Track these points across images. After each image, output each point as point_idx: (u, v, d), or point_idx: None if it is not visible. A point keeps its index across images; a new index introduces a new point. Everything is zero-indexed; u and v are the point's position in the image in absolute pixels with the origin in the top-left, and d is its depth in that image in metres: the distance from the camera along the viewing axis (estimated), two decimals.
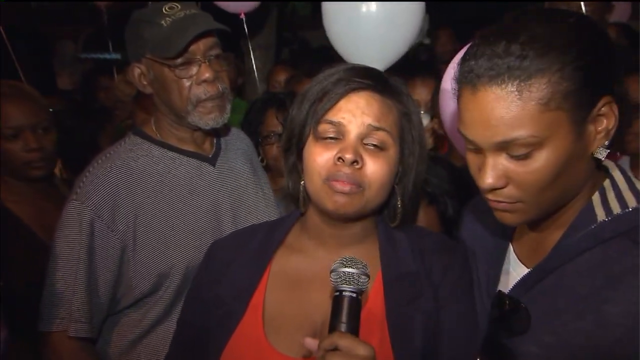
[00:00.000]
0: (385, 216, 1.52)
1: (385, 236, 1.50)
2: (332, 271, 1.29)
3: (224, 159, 2.08)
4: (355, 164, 1.38)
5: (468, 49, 1.21)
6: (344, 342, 1.21)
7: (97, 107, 4.41)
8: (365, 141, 1.41)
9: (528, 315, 1.21)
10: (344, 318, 1.25)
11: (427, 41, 6.23)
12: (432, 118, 2.78)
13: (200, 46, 1.88)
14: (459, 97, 1.23)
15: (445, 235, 1.61)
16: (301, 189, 1.51)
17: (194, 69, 1.88)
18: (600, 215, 1.21)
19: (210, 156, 2.05)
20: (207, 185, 2.01)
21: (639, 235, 1.16)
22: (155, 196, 1.92)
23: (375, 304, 1.43)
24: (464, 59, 1.20)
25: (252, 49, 5.03)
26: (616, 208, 1.20)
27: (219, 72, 1.92)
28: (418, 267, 1.46)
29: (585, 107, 1.15)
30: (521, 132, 1.14)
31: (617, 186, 1.24)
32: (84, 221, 1.83)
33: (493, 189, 1.21)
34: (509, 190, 1.20)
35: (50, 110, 2.54)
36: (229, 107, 1.97)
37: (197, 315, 1.55)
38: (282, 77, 4.57)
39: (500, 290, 1.30)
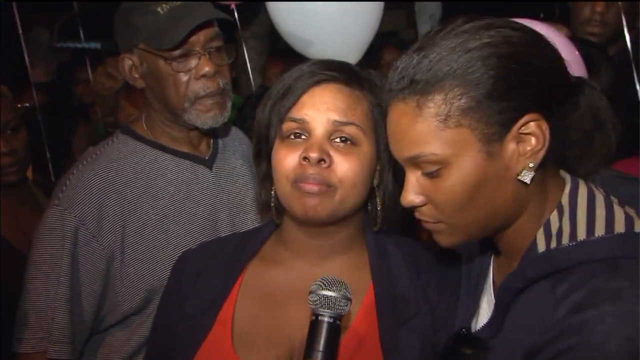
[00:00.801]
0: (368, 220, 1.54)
1: (375, 246, 1.52)
2: (310, 292, 1.30)
3: (221, 161, 2.08)
4: (322, 162, 1.41)
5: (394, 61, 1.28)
6: None
7: (73, 103, 4.41)
8: (333, 137, 1.44)
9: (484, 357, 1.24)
10: (320, 346, 1.27)
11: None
12: None
13: (200, 37, 1.87)
14: None
15: (439, 251, 1.57)
16: (272, 196, 1.53)
17: (192, 62, 1.88)
18: (541, 250, 1.21)
19: (207, 158, 2.05)
20: (204, 190, 2.01)
21: (561, 280, 1.16)
22: (146, 202, 1.92)
23: (366, 323, 1.44)
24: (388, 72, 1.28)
25: (245, 38, 5.04)
26: (553, 244, 1.20)
27: (220, 66, 1.92)
28: (414, 281, 1.48)
29: (497, 125, 1.16)
30: (423, 149, 1.19)
31: (562, 216, 1.22)
32: (67, 229, 1.83)
33: (415, 207, 1.26)
34: (429, 210, 1.25)
35: (27, 105, 2.54)
36: (229, 105, 1.97)
37: (164, 331, 1.58)
38: (278, 69, 4.57)
39: (463, 329, 1.33)
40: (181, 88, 1.89)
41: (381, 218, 1.52)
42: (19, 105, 3.13)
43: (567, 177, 1.28)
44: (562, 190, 1.25)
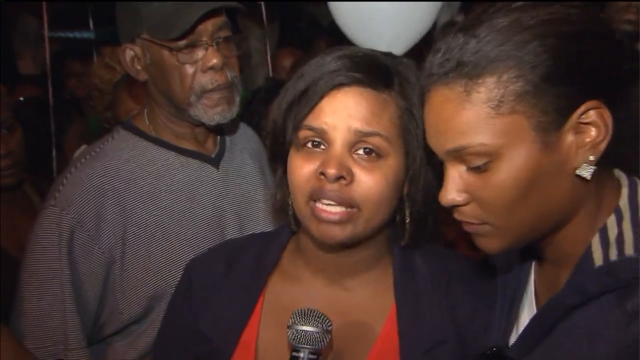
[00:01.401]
0: (396, 234, 1.49)
1: (400, 262, 1.47)
2: (287, 326, 1.30)
3: (229, 159, 2.10)
4: (341, 179, 1.35)
5: (433, 43, 1.24)
6: None
7: (66, 97, 4.43)
8: (354, 149, 1.37)
9: None
10: None
11: (459, 19, 6.25)
12: None
13: (207, 26, 1.88)
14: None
15: (473, 260, 1.56)
16: (290, 203, 1.47)
17: (199, 53, 1.89)
18: (598, 260, 1.16)
19: (213, 156, 2.07)
20: (210, 190, 2.02)
21: (629, 294, 1.11)
22: (149, 203, 1.93)
23: (387, 350, 1.41)
24: (426, 56, 1.23)
25: (251, 27, 5.05)
26: (613, 254, 1.14)
27: (229, 58, 1.93)
28: (441, 302, 1.43)
29: (554, 112, 1.13)
30: (470, 140, 1.15)
31: (621, 221, 1.17)
32: (64, 231, 1.84)
33: (457, 207, 1.21)
34: (473, 209, 1.20)
35: (21, 99, 2.56)
36: (238, 99, 1.98)
37: (175, 351, 1.55)
38: (288, 61, 4.58)
39: (495, 347, 1.30)
40: (187, 81, 1.90)
41: (410, 232, 1.46)
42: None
43: (623, 177, 1.23)
44: (619, 191, 1.21)
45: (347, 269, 1.47)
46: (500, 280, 1.42)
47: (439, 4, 2.98)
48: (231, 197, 2.06)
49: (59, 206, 1.86)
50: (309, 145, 1.39)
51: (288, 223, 1.53)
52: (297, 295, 1.48)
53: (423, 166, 1.42)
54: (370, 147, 1.36)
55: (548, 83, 1.12)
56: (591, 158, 1.14)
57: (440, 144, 1.20)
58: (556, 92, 1.12)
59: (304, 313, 1.29)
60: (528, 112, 1.12)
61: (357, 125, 1.35)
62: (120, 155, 1.96)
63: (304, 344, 1.28)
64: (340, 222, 1.36)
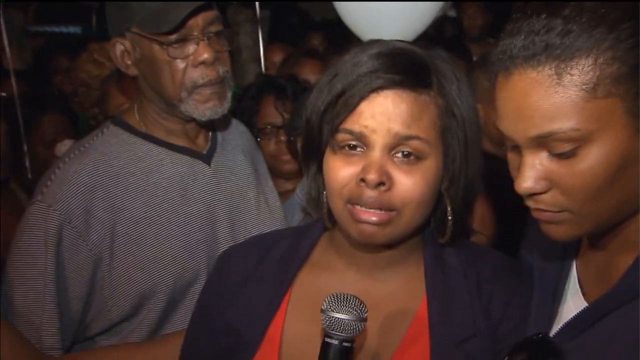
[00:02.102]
0: (432, 229, 1.50)
1: (432, 256, 1.48)
2: (321, 311, 1.30)
3: (220, 156, 2.10)
4: (381, 186, 1.35)
5: (506, 26, 1.21)
6: None
7: (51, 93, 4.41)
8: (394, 152, 1.37)
9: None
10: None
11: (452, 14, 6.27)
12: None
13: (198, 21, 1.88)
14: (495, 86, 1.22)
15: (506, 257, 1.57)
16: (324, 201, 1.48)
17: (190, 48, 1.89)
18: None
19: (204, 153, 2.07)
20: (201, 187, 2.03)
21: None
22: (138, 200, 1.93)
23: (416, 341, 1.42)
24: (500, 39, 1.20)
25: (241, 22, 5.05)
26: None
27: (220, 53, 1.93)
28: (473, 297, 1.44)
29: None
30: (561, 125, 1.12)
31: None
32: (51, 227, 1.84)
33: (532, 194, 1.19)
34: (553, 197, 1.18)
35: (4, 95, 2.55)
36: (229, 94, 1.99)
37: (205, 341, 1.57)
38: (278, 57, 4.60)
39: (541, 332, 1.29)
40: (178, 76, 1.90)
41: (450, 229, 1.46)
42: None
43: None
44: None
45: (380, 263, 1.49)
46: (537, 274, 1.42)
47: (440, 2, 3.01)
48: (223, 193, 2.07)
49: (46, 202, 1.86)
50: (347, 148, 1.39)
51: (321, 219, 1.54)
52: (327, 284, 1.48)
53: (463, 164, 1.43)
54: (409, 150, 1.37)
55: None
56: None
57: (523, 129, 1.16)
58: None
59: (339, 298, 1.29)
60: (624, 95, 1.11)
61: (397, 128, 1.35)
62: (110, 151, 1.96)
63: (337, 331, 1.28)
64: (380, 224, 1.37)
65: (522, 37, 1.15)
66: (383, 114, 1.35)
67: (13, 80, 3.61)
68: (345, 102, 1.37)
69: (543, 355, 1.24)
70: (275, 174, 2.79)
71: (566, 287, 1.35)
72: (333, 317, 1.27)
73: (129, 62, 1.97)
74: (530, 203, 1.22)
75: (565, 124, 1.12)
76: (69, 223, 1.85)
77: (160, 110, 2.00)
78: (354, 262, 1.50)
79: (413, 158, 1.37)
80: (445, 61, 1.43)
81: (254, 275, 1.55)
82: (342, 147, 1.39)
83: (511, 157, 1.24)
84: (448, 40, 5.18)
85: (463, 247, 1.52)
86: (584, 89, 1.11)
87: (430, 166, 1.39)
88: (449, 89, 1.41)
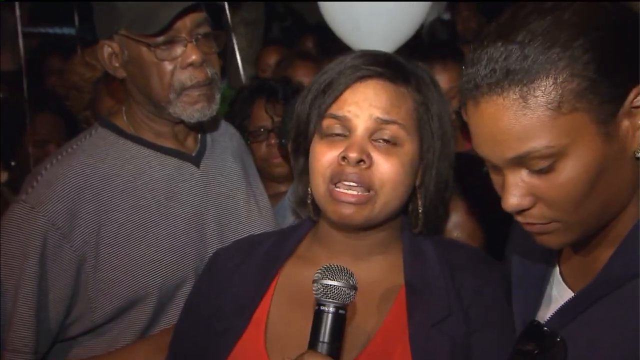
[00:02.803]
0: (408, 221, 1.62)
1: (410, 246, 1.60)
2: (313, 281, 1.38)
3: (210, 158, 2.11)
4: (361, 163, 1.48)
5: (467, 56, 1.27)
6: None
7: (43, 95, 4.40)
8: (374, 137, 1.51)
9: (564, 353, 1.24)
10: (324, 337, 1.36)
11: (446, 16, 6.30)
12: (455, 111, 2.82)
13: (186, 22, 1.89)
14: (467, 111, 1.27)
15: (479, 249, 1.70)
16: (309, 193, 1.61)
17: (178, 50, 1.90)
18: None
19: (193, 155, 2.08)
20: (189, 189, 2.03)
21: None
22: (125, 202, 1.94)
23: (396, 323, 1.51)
24: (464, 68, 1.26)
25: (235, 24, 5.06)
26: None
27: (208, 55, 1.95)
28: (447, 283, 1.54)
29: (610, 102, 1.18)
30: (535, 144, 1.18)
31: None
32: (35, 230, 1.84)
33: (521, 211, 1.25)
34: (539, 210, 1.23)
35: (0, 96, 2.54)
36: (218, 96, 1.99)
37: (195, 329, 1.65)
38: (273, 59, 4.62)
39: (534, 320, 1.34)
40: (166, 78, 1.91)
41: (422, 220, 1.59)
42: None
43: None
44: None
45: (361, 252, 1.59)
46: (522, 269, 1.47)
47: (428, 3, 3.02)
48: (212, 196, 2.08)
49: (30, 203, 1.87)
50: (332, 134, 1.53)
51: (309, 215, 1.65)
52: (310, 276, 1.53)
53: (436, 157, 1.57)
54: (388, 134, 1.51)
55: (602, 76, 1.16)
56: None
57: (499, 153, 1.22)
58: (610, 82, 1.17)
59: (331, 268, 1.38)
60: (588, 107, 1.16)
61: (378, 113, 1.50)
62: (98, 153, 1.96)
63: (330, 298, 1.36)
64: (358, 204, 1.49)
65: (483, 65, 1.20)
66: (365, 100, 1.51)
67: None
68: (332, 90, 1.53)
69: (550, 343, 1.28)
70: (267, 177, 2.80)
71: (551, 279, 1.40)
72: (326, 284, 1.36)
73: (117, 65, 1.98)
74: (520, 218, 1.27)
75: (538, 143, 1.17)
76: (53, 226, 1.85)
77: (149, 113, 2.01)
78: (337, 251, 1.59)
79: (392, 142, 1.51)
80: (424, 71, 1.60)
81: (242, 268, 1.65)
82: (328, 135, 1.53)
83: (494, 177, 1.29)
84: (442, 42, 5.18)
85: (439, 240, 1.65)
86: (550, 108, 1.16)
87: (407, 152, 1.53)
88: (425, 89, 1.57)
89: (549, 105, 1.16)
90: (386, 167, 1.50)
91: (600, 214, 1.24)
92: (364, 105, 1.50)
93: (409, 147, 1.53)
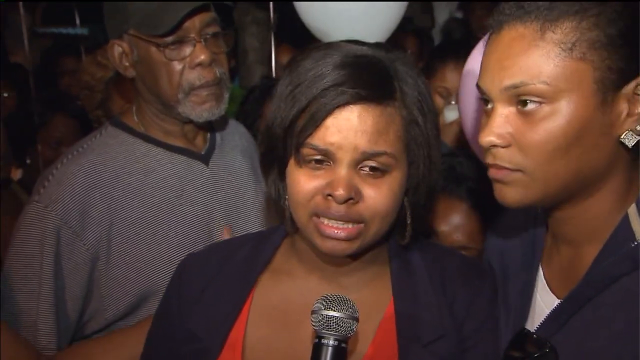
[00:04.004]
0: (395, 234, 1.52)
1: (397, 260, 1.51)
2: (312, 312, 1.29)
3: (219, 157, 2.13)
4: (350, 200, 1.36)
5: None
6: None
7: (56, 94, 4.44)
8: (360, 166, 1.37)
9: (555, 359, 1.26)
10: None
11: (459, 15, 6.29)
12: None
13: (195, 22, 1.92)
14: (486, 46, 1.31)
15: (469, 257, 1.63)
16: (286, 207, 1.49)
17: (187, 50, 1.93)
18: (639, 232, 1.24)
19: (202, 153, 2.10)
20: (199, 187, 2.06)
21: None
22: (136, 200, 1.96)
23: (385, 343, 1.44)
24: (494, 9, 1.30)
25: (246, 24, 5.07)
26: None
27: (217, 54, 1.97)
28: (439, 299, 1.46)
29: (618, 73, 1.20)
30: (533, 76, 1.21)
31: None
32: (48, 228, 1.87)
33: (494, 147, 1.26)
34: (511, 153, 1.25)
35: (5, 95, 2.56)
36: (226, 96, 2.01)
37: (166, 350, 1.56)
38: (286, 59, 4.60)
39: (524, 328, 1.35)
40: (175, 78, 1.93)
41: (410, 232, 1.49)
42: None
43: None
44: None
45: (344, 270, 1.50)
46: (505, 276, 1.48)
47: (405, 3, 3.02)
48: (221, 194, 2.10)
49: (43, 202, 1.90)
50: (313, 162, 1.38)
51: (283, 224, 1.54)
52: (289, 292, 1.51)
53: (426, 170, 1.45)
54: (376, 165, 1.37)
55: (621, 40, 1.20)
56: (638, 128, 1.21)
57: (499, 79, 1.25)
58: (625, 52, 1.20)
59: (332, 298, 1.28)
60: (596, 63, 1.20)
61: (364, 146, 1.35)
62: (108, 151, 1.99)
63: (332, 330, 1.26)
64: (348, 239, 1.38)
65: (515, 3, 1.26)
66: (349, 129, 1.35)
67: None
68: (311, 117, 1.36)
69: (540, 351, 1.29)
70: None
71: (535, 287, 1.40)
72: (327, 315, 1.26)
73: (127, 64, 2.00)
74: (489, 158, 1.29)
75: (538, 77, 1.21)
76: (65, 224, 1.88)
77: (158, 112, 2.03)
78: (316, 267, 1.50)
79: (379, 172, 1.38)
80: (405, 64, 1.43)
81: (214, 282, 1.54)
82: (308, 162, 1.39)
83: (484, 119, 1.31)
84: (456, 41, 5.18)
85: (427, 247, 1.57)
86: (561, 47, 1.20)
87: (396, 177, 1.40)
88: (411, 96, 1.41)
89: (562, 45, 1.20)
90: (376, 198, 1.37)
91: (567, 180, 1.25)
92: (348, 135, 1.34)
93: (397, 172, 1.40)
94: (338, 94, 1.34)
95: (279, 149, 1.43)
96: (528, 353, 1.30)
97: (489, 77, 1.27)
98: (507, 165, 1.26)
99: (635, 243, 1.23)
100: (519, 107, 1.23)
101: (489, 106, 1.29)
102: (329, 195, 1.36)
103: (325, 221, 1.38)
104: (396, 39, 4.71)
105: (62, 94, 4.49)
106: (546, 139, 1.22)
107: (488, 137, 1.26)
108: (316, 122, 1.35)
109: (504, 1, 1.28)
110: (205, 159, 2.10)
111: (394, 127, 1.39)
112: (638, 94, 1.22)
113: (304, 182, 1.39)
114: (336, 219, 1.37)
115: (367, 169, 1.37)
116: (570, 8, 1.21)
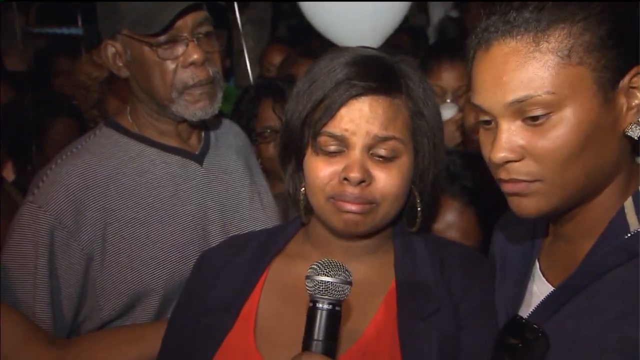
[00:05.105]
0: (403, 221, 1.63)
1: (402, 244, 1.62)
2: (306, 277, 1.36)
3: (213, 156, 2.14)
4: (362, 183, 1.49)
5: (483, 17, 1.32)
6: None
7: (51, 94, 4.45)
8: (372, 152, 1.51)
9: (547, 346, 1.28)
10: (318, 335, 1.33)
11: (454, 14, 6.30)
12: (461, 109, 2.83)
13: (187, 22, 1.93)
14: (473, 64, 1.31)
15: (469, 247, 1.72)
16: (301, 197, 1.62)
17: (179, 49, 1.94)
18: (633, 224, 1.25)
19: (197, 153, 2.11)
20: (193, 187, 2.07)
21: None
22: (130, 200, 1.97)
23: (386, 319, 1.53)
24: (478, 24, 1.31)
25: (242, 23, 5.08)
26: None
27: (210, 54, 1.98)
28: (437, 278, 1.56)
29: (613, 71, 1.22)
30: (537, 88, 1.22)
31: None
32: (42, 229, 1.88)
33: (507, 163, 1.26)
34: (526, 165, 1.25)
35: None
36: (220, 95, 2.02)
37: (185, 324, 1.65)
38: (278, 58, 4.61)
39: (517, 314, 1.37)
40: (168, 77, 1.94)
41: (420, 219, 1.61)
42: None
43: None
44: None
45: (353, 252, 1.60)
46: (504, 266, 1.51)
47: (408, 3, 3.04)
48: (215, 194, 2.11)
49: (37, 203, 1.90)
50: (328, 150, 1.52)
51: (298, 215, 1.65)
52: (301, 272, 1.53)
53: (432, 159, 1.58)
54: (386, 149, 1.51)
55: (612, 39, 1.22)
56: None
57: (500, 96, 1.26)
58: (617, 50, 1.22)
59: (325, 264, 1.36)
60: (593, 64, 1.22)
61: (375, 130, 1.50)
62: (102, 152, 2.00)
63: (324, 294, 1.33)
64: (362, 213, 1.51)
65: (500, 15, 1.26)
66: (362, 117, 1.50)
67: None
68: (326, 108, 1.51)
69: (532, 337, 1.30)
70: (275, 176, 2.82)
71: (531, 276, 1.43)
72: (320, 280, 1.34)
73: (120, 64, 2.01)
74: (503, 174, 1.29)
75: (540, 88, 1.22)
76: (59, 224, 1.89)
77: (152, 111, 2.04)
78: (328, 252, 1.59)
79: (390, 157, 1.52)
80: (409, 65, 1.58)
81: (229, 265, 1.66)
82: (324, 149, 1.52)
83: (484, 137, 1.32)
84: (451, 40, 5.19)
85: (431, 238, 1.68)
86: (559, 55, 1.22)
87: (404, 162, 1.54)
88: (416, 91, 1.56)
89: (559, 53, 1.21)
90: (386, 182, 1.51)
91: (583, 182, 1.27)
92: (361, 123, 1.49)
93: (406, 157, 1.54)
94: (350, 86, 1.50)
95: (297, 141, 1.56)
96: (520, 338, 1.32)
97: (487, 94, 1.28)
98: (524, 178, 1.27)
99: (630, 234, 1.25)
100: (527, 120, 1.24)
101: (492, 124, 1.30)
102: (345, 179, 1.49)
103: (341, 201, 1.51)
104: (390, 38, 4.73)
105: (57, 94, 4.50)
106: (560, 145, 1.23)
107: (500, 154, 1.26)
108: (331, 112, 1.50)
109: (499, 1, 1.29)
110: (199, 158, 2.11)
111: (401, 117, 1.53)
112: (633, 87, 1.24)
113: (321, 168, 1.52)
114: (351, 200, 1.49)
115: (378, 154, 1.51)
116: (557, 15, 1.22)
